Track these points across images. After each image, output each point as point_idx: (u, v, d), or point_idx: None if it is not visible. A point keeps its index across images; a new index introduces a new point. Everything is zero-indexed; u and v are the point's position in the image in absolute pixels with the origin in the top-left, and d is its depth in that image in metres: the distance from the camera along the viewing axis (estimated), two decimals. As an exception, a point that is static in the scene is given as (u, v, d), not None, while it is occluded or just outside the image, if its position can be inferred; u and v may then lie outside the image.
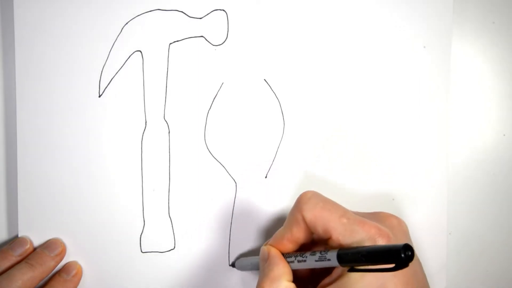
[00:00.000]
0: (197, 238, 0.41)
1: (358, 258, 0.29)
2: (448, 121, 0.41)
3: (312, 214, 0.32)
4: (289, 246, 0.35)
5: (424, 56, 0.40)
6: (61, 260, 0.40)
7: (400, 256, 0.26)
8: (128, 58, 0.40)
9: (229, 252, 0.41)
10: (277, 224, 0.41)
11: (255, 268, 0.38)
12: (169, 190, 0.41)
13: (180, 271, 0.41)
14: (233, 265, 0.41)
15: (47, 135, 0.40)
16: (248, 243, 0.41)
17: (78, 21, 0.39)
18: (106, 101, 0.40)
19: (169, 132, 0.40)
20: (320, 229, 0.32)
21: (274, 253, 0.34)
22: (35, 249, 0.40)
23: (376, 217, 0.34)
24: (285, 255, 0.35)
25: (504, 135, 0.43)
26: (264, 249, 0.35)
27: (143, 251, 0.41)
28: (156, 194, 0.41)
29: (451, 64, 0.40)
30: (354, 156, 0.41)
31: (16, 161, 0.40)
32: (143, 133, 0.40)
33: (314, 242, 0.36)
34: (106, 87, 0.40)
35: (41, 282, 0.39)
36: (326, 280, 0.33)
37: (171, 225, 0.41)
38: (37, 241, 0.40)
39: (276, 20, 0.40)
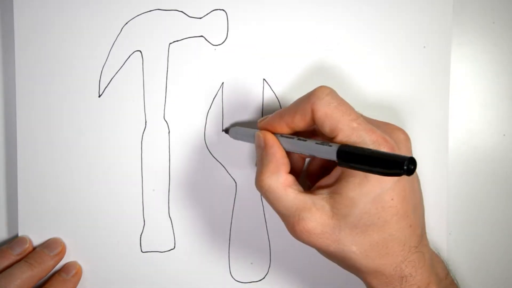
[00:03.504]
0: (197, 238, 0.41)
1: (359, 156, 0.28)
2: (448, 121, 0.41)
3: (324, 111, 0.31)
4: (285, 130, 0.34)
5: (424, 56, 0.40)
6: (60, 259, 0.40)
7: (402, 166, 0.26)
8: (128, 58, 0.40)
9: (229, 252, 0.41)
10: (278, 223, 0.41)
11: (250, 140, 0.37)
12: (169, 190, 0.41)
13: (180, 271, 0.41)
14: (226, 131, 0.40)
15: (47, 135, 0.40)
16: (248, 242, 0.41)
17: (78, 21, 0.39)
18: (106, 101, 0.40)
19: (169, 132, 0.40)
20: (327, 128, 0.31)
21: (272, 142, 0.34)
22: (34, 248, 0.40)
23: (385, 127, 0.33)
24: (284, 135, 0.34)
25: (504, 135, 0.43)
26: (259, 135, 0.34)
27: (143, 251, 0.41)
28: (156, 194, 0.41)
29: (451, 64, 0.40)
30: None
31: (16, 161, 0.40)
32: (143, 133, 0.40)
33: (313, 135, 0.35)
34: (106, 87, 0.40)
35: (41, 281, 0.39)
36: (324, 180, 0.33)
37: (171, 225, 0.41)
38: (36, 240, 0.40)
39: (276, 19, 0.40)
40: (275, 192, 0.32)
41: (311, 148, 0.32)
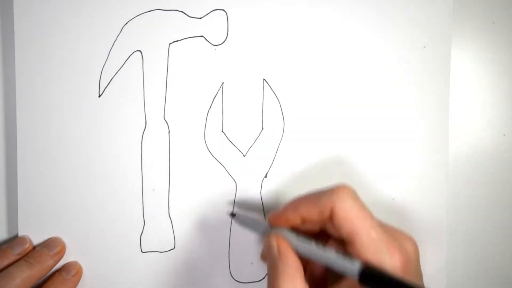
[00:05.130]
0: (197, 238, 0.41)
1: (384, 282, 0.28)
2: (448, 121, 0.41)
3: (344, 215, 0.31)
4: (297, 222, 0.33)
5: (424, 56, 0.40)
6: (60, 259, 0.40)
7: None
8: (128, 58, 0.40)
9: (229, 252, 0.41)
10: (277, 224, 0.41)
11: (256, 232, 0.37)
12: (169, 190, 0.41)
13: (180, 271, 0.41)
14: (233, 215, 0.39)
15: (47, 135, 0.40)
16: (248, 243, 0.41)
17: (78, 21, 0.39)
18: (106, 101, 0.40)
19: (169, 132, 0.40)
20: (344, 232, 0.31)
21: (285, 249, 0.32)
22: (34, 248, 0.40)
23: (396, 235, 0.32)
24: (300, 236, 0.33)
25: (504, 135, 0.43)
26: (272, 242, 0.33)
27: (143, 251, 0.41)
28: (156, 194, 0.41)
29: (451, 64, 0.40)
30: (354, 155, 0.41)
31: (16, 161, 0.40)
32: (143, 133, 0.40)
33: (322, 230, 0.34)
34: (106, 87, 0.40)
35: (41, 281, 0.39)
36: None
37: (171, 225, 0.41)
38: (36, 240, 0.40)
39: (276, 20, 0.40)
40: None
41: (328, 259, 0.31)
